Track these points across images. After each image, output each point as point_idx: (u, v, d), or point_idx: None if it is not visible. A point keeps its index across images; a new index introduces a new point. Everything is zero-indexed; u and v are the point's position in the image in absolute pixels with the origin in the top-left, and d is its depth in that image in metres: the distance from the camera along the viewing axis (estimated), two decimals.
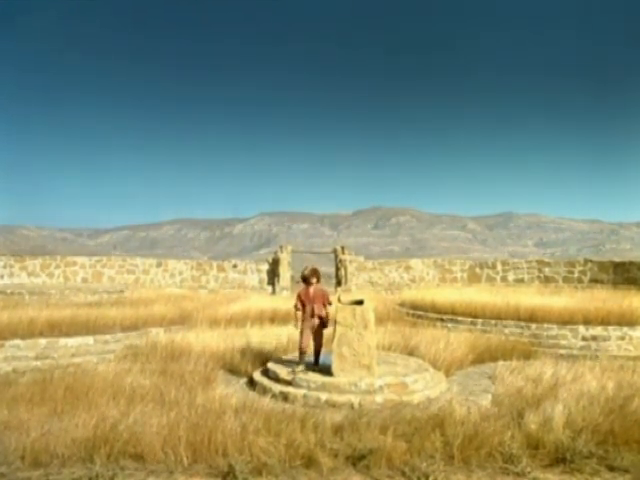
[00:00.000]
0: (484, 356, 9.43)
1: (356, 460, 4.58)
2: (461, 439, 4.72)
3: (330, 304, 7.49)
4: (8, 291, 17.02)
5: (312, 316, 7.32)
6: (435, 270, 25.43)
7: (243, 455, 4.45)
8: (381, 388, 6.64)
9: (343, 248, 24.96)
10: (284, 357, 8.28)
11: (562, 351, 10.62)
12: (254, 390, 7.21)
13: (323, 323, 7.44)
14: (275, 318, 12.82)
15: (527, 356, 9.53)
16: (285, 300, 15.87)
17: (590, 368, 7.62)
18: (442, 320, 13.15)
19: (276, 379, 7.22)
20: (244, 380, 7.91)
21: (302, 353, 7.27)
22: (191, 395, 6.24)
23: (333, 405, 6.35)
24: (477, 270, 24.70)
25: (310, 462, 4.53)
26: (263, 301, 16.48)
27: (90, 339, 10.31)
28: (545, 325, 11.57)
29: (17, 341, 9.63)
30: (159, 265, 23.40)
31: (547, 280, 22.91)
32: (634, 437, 4.89)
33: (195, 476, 4.35)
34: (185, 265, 23.85)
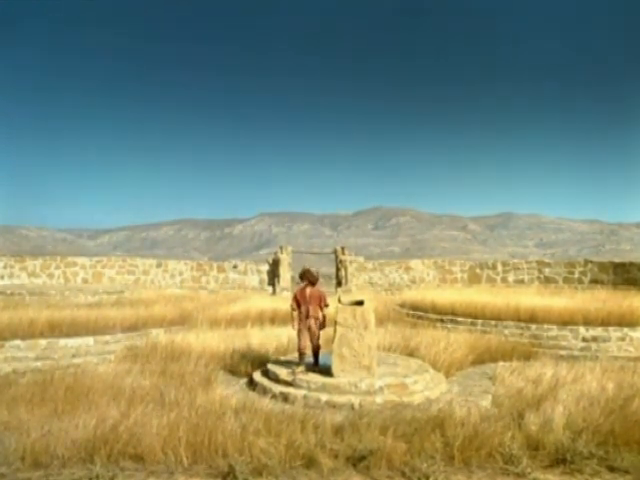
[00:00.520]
0: (484, 357, 9.43)
1: (356, 461, 4.58)
2: (461, 440, 4.72)
3: (327, 306, 7.47)
4: (8, 292, 17.02)
5: (307, 317, 7.32)
6: (435, 271, 25.43)
7: (243, 456, 4.44)
8: (381, 389, 6.64)
9: (343, 249, 24.97)
10: (284, 358, 8.28)
11: (562, 352, 10.61)
12: (254, 391, 7.21)
13: (320, 324, 7.43)
14: (275, 319, 12.82)
15: (527, 357, 9.53)
16: (285, 301, 15.85)
17: (590, 369, 7.62)
18: (442, 321, 13.15)
19: (276, 380, 7.22)
20: (244, 381, 7.91)
21: (301, 354, 7.28)
22: (191, 396, 6.24)
23: (333, 406, 6.35)
24: (477, 271, 24.70)
25: (310, 463, 4.53)
26: (263, 302, 16.49)
27: (90, 340, 10.31)
28: (545, 326, 11.57)
29: (17, 342, 9.63)
30: (159, 266, 23.41)
31: (547, 281, 22.91)
32: (634, 438, 4.89)
33: (195, 477, 4.35)
34: (185, 266, 23.85)
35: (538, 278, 23.28)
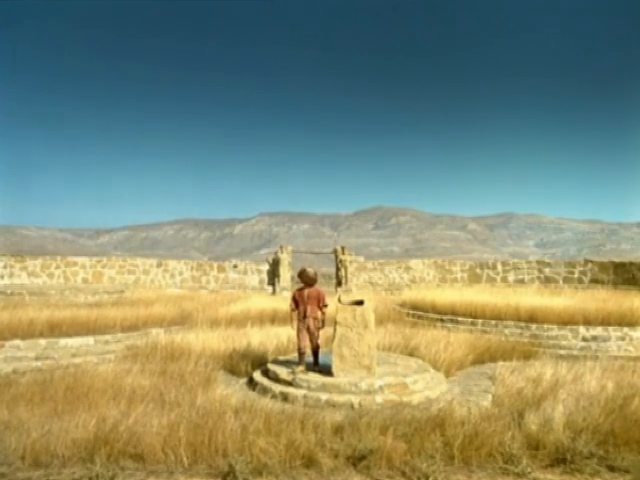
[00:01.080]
0: (484, 357, 9.43)
1: (356, 460, 4.58)
2: (461, 439, 4.72)
3: (326, 306, 7.46)
4: (8, 291, 17.02)
5: (305, 317, 7.32)
6: (435, 270, 25.43)
7: (243, 455, 4.45)
8: (381, 388, 6.64)
9: (343, 248, 24.97)
10: (284, 357, 8.28)
11: (562, 351, 10.61)
12: (254, 390, 7.21)
13: (319, 323, 7.43)
14: (275, 318, 12.83)
15: (527, 356, 9.53)
16: (285, 300, 15.86)
17: (590, 368, 7.61)
18: (442, 320, 13.15)
19: (276, 379, 7.22)
20: (244, 380, 7.91)
21: (301, 354, 7.28)
22: (191, 395, 6.24)
23: (333, 405, 6.35)
24: (477, 270, 24.69)
25: (310, 462, 4.54)
26: (263, 301, 16.49)
27: (90, 339, 10.31)
28: (545, 325, 11.57)
29: (17, 341, 9.63)
30: (159, 265, 23.41)
31: (547, 280, 22.91)
32: (634, 437, 4.89)
33: (195, 476, 4.35)
34: (185, 265, 23.85)
35: (538, 278, 23.28)
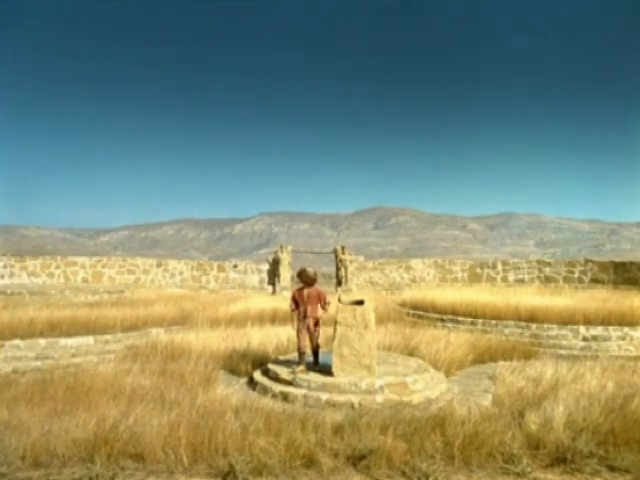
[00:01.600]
0: (484, 356, 9.42)
1: (356, 460, 4.58)
2: (461, 439, 4.72)
3: (328, 304, 7.46)
4: (8, 291, 17.02)
5: (305, 317, 7.33)
6: (435, 270, 25.43)
7: (243, 455, 4.44)
8: (381, 388, 6.64)
9: (343, 248, 24.96)
10: (284, 357, 8.28)
11: (562, 351, 10.61)
12: (254, 390, 7.20)
13: (318, 323, 7.44)
14: (275, 318, 12.83)
15: (527, 356, 9.53)
16: (285, 300, 15.84)
17: (590, 368, 7.61)
18: (442, 320, 13.15)
19: (276, 379, 7.22)
20: (244, 380, 7.91)
21: (301, 354, 7.28)
22: (191, 395, 6.24)
23: (333, 405, 6.35)
24: (477, 270, 24.69)
25: (310, 462, 4.53)
26: (263, 301, 16.49)
27: (90, 339, 10.31)
28: (545, 325, 11.56)
29: (17, 341, 9.63)
30: (159, 265, 23.41)
31: (547, 280, 22.91)
32: (635, 437, 4.88)
33: (195, 476, 4.35)
34: (185, 265, 23.85)
35: (538, 277, 23.28)
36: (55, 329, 10.30)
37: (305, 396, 6.59)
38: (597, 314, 11.33)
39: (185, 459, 4.53)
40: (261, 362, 8.32)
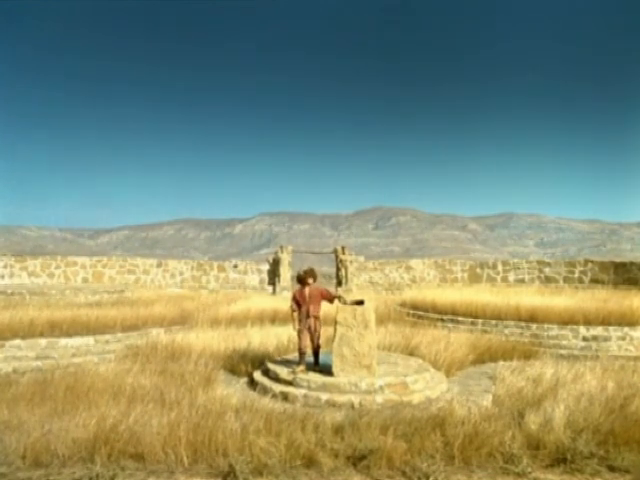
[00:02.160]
0: (484, 356, 9.42)
1: (357, 460, 4.58)
2: (461, 439, 4.72)
3: (334, 297, 7.46)
4: (9, 291, 17.01)
5: (307, 317, 7.33)
6: (435, 270, 25.42)
7: (244, 455, 4.44)
8: (381, 388, 6.64)
9: (343, 248, 24.96)
10: (284, 357, 8.28)
11: (563, 351, 10.61)
12: (254, 390, 7.20)
13: (320, 322, 7.45)
14: (275, 318, 12.83)
15: (528, 356, 9.53)
16: (286, 300, 15.84)
17: (591, 368, 7.61)
18: (442, 320, 13.15)
19: (276, 379, 7.22)
20: (244, 380, 7.91)
21: (302, 354, 7.28)
22: (191, 395, 6.24)
23: (333, 405, 6.35)
24: (478, 270, 24.69)
25: (310, 462, 4.53)
26: (263, 301, 16.49)
27: (90, 339, 10.31)
28: (546, 325, 11.56)
29: (17, 341, 9.63)
30: (159, 265, 23.41)
31: (548, 280, 22.90)
32: (635, 437, 4.88)
33: (196, 476, 4.35)
34: (185, 265, 23.85)
35: (538, 278, 23.27)
36: (55, 329, 10.30)
37: (305, 396, 6.59)
38: (597, 314, 11.33)
39: (185, 459, 4.53)
40: (261, 362, 8.32)
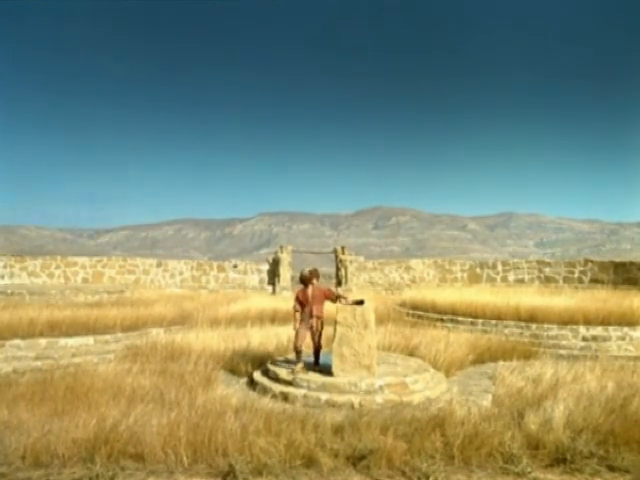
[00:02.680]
0: (484, 356, 9.42)
1: (356, 460, 4.58)
2: (461, 439, 4.72)
3: (337, 297, 7.47)
4: (8, 291, 17.01)
5: (310, 317, 7.33)
6: (435, 270, 25.42)
7: (243, 455, 4.45)
8: (381, 388, 6.64)
9: (343, 248, 24.95)
10: (284, 357, 8.28)
11: (562, 351, 10.61)
12: (254, 390, 7.21)
13: (322, 323, 7.45)
14: (275, 318, 12.83)
15: (527, 356, 9.53)
16: (285, 300, 15.87)
17: (590, 368, 7.62)
18: (442, 320, 13.15)
19: (276, 379, 7.22)
20: (244, 380, 7.91)
21: (298, 352, 7.27)
22: (191, 395, 6.24)
23: (333, 405, 6.36)
24: (477, 270, 24.69)
25: (310, 462, 4.53)
26: (263, 301, 16.49)
27: (90, 339, 10.31)
28: (545, 325, 11.57)
29: (17, 341, 9.63)
30: (159, 265, 23.40)
31: (547, 280, 22.90)
32: (634, 437, 4.89)
33: (195, 476, 4.35)
34: (185, 265, 23.84)
35: (538, 277, 23.27)
36: (55, 329, 10.30)
37: (305, 396, 6.59)
38: (597, 314, 11.33)
39: (185, 459, 4.53)
40: (261, 362, 8.32)
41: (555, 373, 7.32)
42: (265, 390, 6.97)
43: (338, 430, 5.08)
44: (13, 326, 9.97)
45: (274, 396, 6.67)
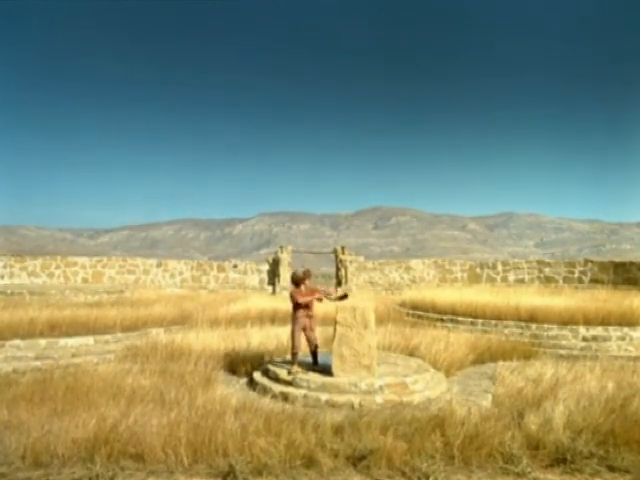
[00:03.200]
0: (484, 356, 9.42)
1: (356, 460, 4.58)
2: (461, 439, 4.72)
3: (325, 295, 7.55)
4: (8, 291, 17.02)
5: (305, 316, 7.35)
6: (435, 270, 25.42)
7: (243, 455, 4.44)
8: (381, 388, 6.64)
9: (343, 248, 24.95)
10: (284, 358, 8.27)
11: (562, 351, 10.60)
12: (254, 390, 7.21)
13: (314, 321, 7.53)
14: (275, 318, 12.82)
15: (527, 356, 9.53)
16: (285, 300, 15.82)
17: (590, 368, 7.62)
18: (442, 320, 13.15)
19: (276, 379, 7.22)
20: (244, 380, 7.91)
21: (294, 354, 7.29)
22: (191, 395, 6.24)
23: (333, 405, 6.35)
24: (477, 270, 24.69)
25: (310, 462, 4.53)
26: (263, 301, 16.49)
27: (90, 339, 10.30)
28: (545, 325, 11.56)
29: (17, 341, 9.63)
30: (159, 265, 23.40)
31: (547, 280, 22.90)
32: (634, 437, 4.88)
33: (195, 476, 4.35)
34: (185, 265, 23.85)
35: (538, 278, 23.28)
36: (55, 329, 10.30)
37: (305, 396, 6.59)
38: (597, 314, 11.33)
39: (185, 459, 4.53)
40: (261, 362, 8.32)
41: (555, 373, 7.32)
42: (265, 390, 6.97)
43: (338, 430, 5.08)
44: (13, 326, 9.97)
45: (274, 396, 6.68)
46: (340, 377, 6.84)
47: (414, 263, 25.86)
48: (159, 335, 10.66)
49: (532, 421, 5.13)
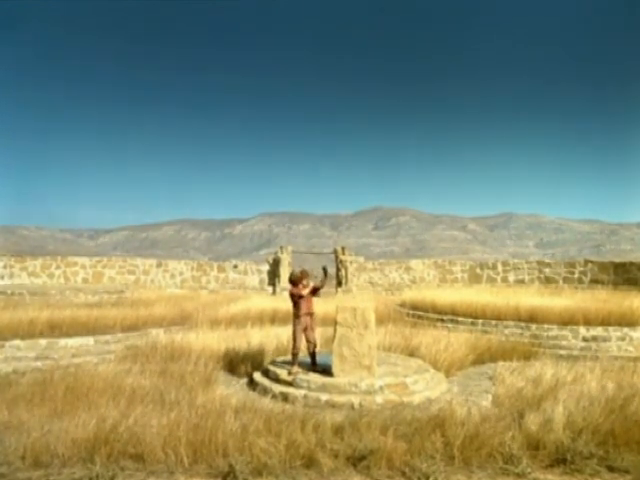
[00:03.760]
0: (484, 357, 9.43)
1: (356, 460, 4.58)
2: (461, 440, 4.72)
3: (314, 288, 7.50)
4: (9, 291, 17.02)
5: (306, 315, 7.35)
6: (435, 271, 25.43)
7: (243, 455, 4.44)
8: (381, 389, 6.64)
9: (343, 249, 24.96)
10: (284, 358, 8.27)
11: (562, 352, 10.60)
12: (254, 390, 7.21)
13: (314, 318, 7.54)
14: (275, 318, 12.82)
15: (527, 357, 9.53)
16: (286, 301, 15.80)
17: (590, 369, 7.62)
18: (442, 321, 13.15)
19: (276, 380, 7.22)
20: (244, 380, 7.91)
21: (294, 354, 7.29)
22: (191, 395, 6.24)
23: (333, 405, 6.36)
24: (477, 271, 24.69)
25: (310, 462, 4.53)
26: (263, 301, 16.49)
27: (90, 339, 10.30)
28: (545, 326, 11.56)
29: (17, 341, 9.63)
30: (159, 266, 23.40)
31: (547, 281, 22.90)
32: (634, 438, 4.88)
33: (195, 476, 4.35)
34: (185, 266, 23.85)
35: (538, 278, 23.28)
36: (55, 329, 10.30)
37: (305, 397, 6.59)
38: (597, 315, 11.33)
39: (185, 459, 4.53)
40: (261, 363, 8.32)
41: (555, 373, 7.32)
42: (265, 390, 6.97)
43: (338, 430, 5.08)
44: (13, 326, 9.97)
45: (274, 396, 6.68)
46: (340, 377, 6.84)
47: (414, 263, 25.87)
48: (159, 335, 10.66)
49: (532, 421, 5.13)
